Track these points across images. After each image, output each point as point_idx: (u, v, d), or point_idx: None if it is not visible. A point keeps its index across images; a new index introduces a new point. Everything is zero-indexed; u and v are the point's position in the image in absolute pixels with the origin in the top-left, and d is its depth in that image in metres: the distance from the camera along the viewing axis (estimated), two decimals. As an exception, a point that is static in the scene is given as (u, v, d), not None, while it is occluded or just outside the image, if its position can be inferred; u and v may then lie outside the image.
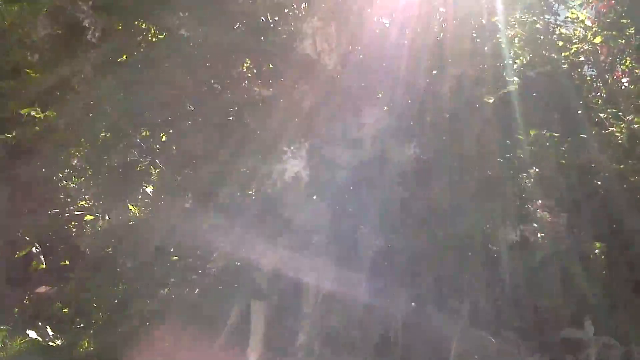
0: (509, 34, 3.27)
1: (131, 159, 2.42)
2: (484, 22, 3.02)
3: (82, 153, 2.67)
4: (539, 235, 2.16)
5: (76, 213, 3.23)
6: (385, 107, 2.45)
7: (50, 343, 3.12)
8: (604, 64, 3.40)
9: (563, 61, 3.41)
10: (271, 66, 2.40)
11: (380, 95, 2.47)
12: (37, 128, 2.54)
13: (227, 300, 2.93)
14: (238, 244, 2.38)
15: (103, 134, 2.54)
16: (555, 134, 2.56)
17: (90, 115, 2.38)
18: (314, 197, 2.20)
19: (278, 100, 2.34)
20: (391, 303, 2.43)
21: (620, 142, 2.72)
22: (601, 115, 2.92)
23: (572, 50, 3.46)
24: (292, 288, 2.38)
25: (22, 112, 2.55)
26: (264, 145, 2.30)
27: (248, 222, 2.33)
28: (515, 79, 2.78)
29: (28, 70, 2.51)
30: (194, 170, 2.39)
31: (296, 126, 2.33)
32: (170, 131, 2.35)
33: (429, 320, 2.25)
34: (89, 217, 3.08)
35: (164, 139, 2.42)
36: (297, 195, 2.23)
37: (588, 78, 3.46)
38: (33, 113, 2.47)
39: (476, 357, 2.19)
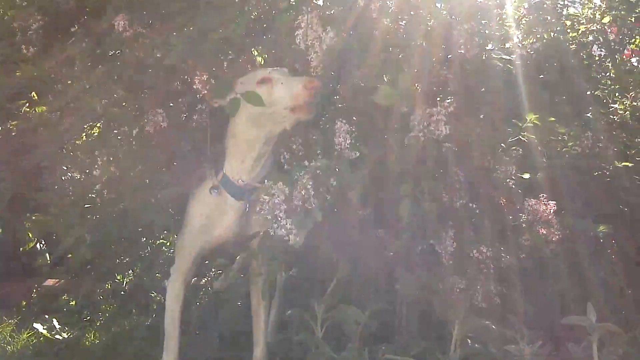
0: (515, 14, 3.21)
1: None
2: (489, 3, 2.94)
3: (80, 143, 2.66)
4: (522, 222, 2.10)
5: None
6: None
7: (57, 336, 3.14)
8: (612, 44, 3.31)
9: (571, 41, 3.34)
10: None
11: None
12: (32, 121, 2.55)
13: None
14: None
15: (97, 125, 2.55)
16: (554, 119, 2.49)
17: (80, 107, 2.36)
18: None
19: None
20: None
21: (624, 120, 2.66)
22: (606, 93, 2.85)
23: (580, 31, 3.39)
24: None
25: (17, 104, 2.57)
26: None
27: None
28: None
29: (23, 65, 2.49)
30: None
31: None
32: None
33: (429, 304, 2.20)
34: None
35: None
36: None
37: (597, 58, 3.38)
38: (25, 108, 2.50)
39: (476, 345, 2.14)
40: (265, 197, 1.93)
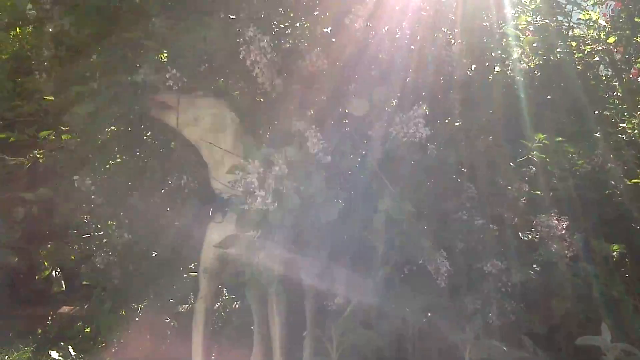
0: (519, 37, 3.23)
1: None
2: (494, 26, 2.97)
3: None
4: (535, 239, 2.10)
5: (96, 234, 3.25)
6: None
7: (72, 363, 3.16)
8: (619, 64, 3.33)
9: (577, 62, 3.36)
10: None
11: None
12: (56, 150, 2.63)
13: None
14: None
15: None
16: (562, 138, 2.50)
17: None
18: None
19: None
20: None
21: (633, 139, 2.67)
22: (614, 112, 2.86)
23: (586, 51, 3.41)
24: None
25: (40, 135, 2.64)
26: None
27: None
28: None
29: (45, 97, 2.57)
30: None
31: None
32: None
33: (440, 328, 2.19)
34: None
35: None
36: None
37: (603, 78, 3.39)
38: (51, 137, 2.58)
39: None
40: (238, 172, 1.92)
